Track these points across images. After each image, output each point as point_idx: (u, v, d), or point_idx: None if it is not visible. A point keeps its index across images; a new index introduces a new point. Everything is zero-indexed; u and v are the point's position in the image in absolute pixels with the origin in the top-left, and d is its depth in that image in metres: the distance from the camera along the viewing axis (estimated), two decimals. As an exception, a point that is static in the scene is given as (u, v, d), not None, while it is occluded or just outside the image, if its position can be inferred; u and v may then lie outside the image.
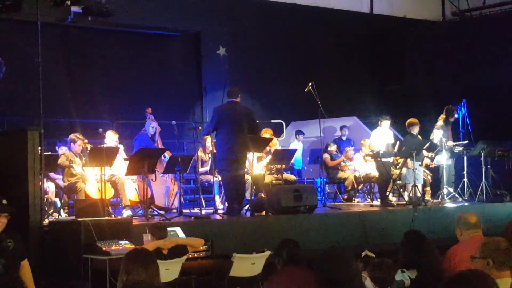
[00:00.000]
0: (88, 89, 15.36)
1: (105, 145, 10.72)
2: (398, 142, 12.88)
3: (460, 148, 13.20)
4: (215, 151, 11.15)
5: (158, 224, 8.11)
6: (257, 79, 17.48)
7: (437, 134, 12.97)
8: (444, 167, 12.84)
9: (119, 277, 4.37)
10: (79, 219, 8.20)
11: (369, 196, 13.88)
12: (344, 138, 15.09)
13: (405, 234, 5.78)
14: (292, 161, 13.02)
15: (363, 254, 6.71)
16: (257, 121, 11.53)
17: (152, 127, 11.93)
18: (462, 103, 14.30)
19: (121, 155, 11.05)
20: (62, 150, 11.27)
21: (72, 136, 10.91)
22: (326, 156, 14.06)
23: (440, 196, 12.82)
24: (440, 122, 13.34)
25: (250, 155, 11.20)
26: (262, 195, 11.49)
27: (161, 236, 7.59)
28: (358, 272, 4.44)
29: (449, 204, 12.41)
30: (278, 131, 15.53)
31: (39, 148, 8.59)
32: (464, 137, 14.15)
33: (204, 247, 8.43)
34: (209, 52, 17.01)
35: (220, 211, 10.81)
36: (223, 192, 11.38)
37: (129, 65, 16.07)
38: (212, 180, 11.78)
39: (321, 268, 4.33)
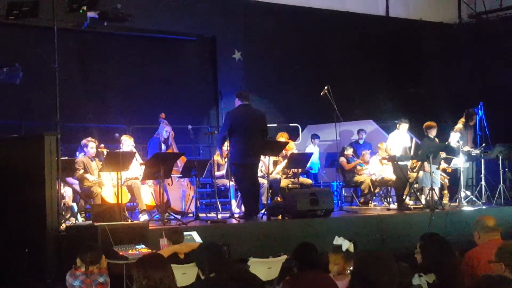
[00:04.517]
0: (104, 94, 15.41)
1: (121, 150, 10.74)
2: (414, 145, 12.81)
3: (478, 151, 13.12)
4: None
5: (174, 229, 8.12)
6: (273, 83, 17.47)
7: (454, 137, 12.90)
8: (461, 170, 12.76)
9: (134, 282, 4.39)
10: (96, 224, 8.23)
11: (385, 200, 13.82)
12: (361, 141, 15.03)
13: (424, 237, 5.68)
14: (308, 164, 12.99)
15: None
16: (269, 125, 11.38)
17: (166, 131, 11.97)
18: (479, 106, 14.20)
19: (137, 160, 11.07)
20: (81, 155, 11.32)
21: (83, 141, 10.97)
22: (342, 159, 14.01)
23: (458, 199, 12.74)
24: (459, 125, 13.25)
25: (266, 159, 11.18)
26: (279, 199, 11.47)
27: (177, 240, 7.60)
28: (397, 276, 4.38)
29: (467, 208, 12.33)
30: (294, 135, 15.51)
31: (56, 153, 8.62)
32: (482, 140, 14.05)
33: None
34: (224, 56, 17.03)
35: (237, 215, 10.81)
36: (239, 196, 11.38)
37: (145, 69, 16.10)
38: (228, 184, 11.78)
39: (361, 271, 4.27)
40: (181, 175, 11.33)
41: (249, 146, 10.48)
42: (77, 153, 11.70)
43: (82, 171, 10.59)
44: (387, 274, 4.16)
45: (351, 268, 5.77)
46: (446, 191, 13.38)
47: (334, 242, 6.04)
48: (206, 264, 5.13)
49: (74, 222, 9.76)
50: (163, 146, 11.97)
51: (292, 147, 12.84)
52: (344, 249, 5.94)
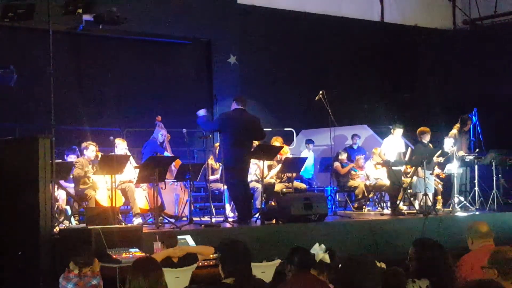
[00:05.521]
0: (99, 97, 15.40)
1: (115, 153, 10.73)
2: (409, 151, 12.84)
3: (471, 157, 13.15)
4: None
5: (168, 232, 8.12)
6: (268, 88, 17.48)
7: (448, 143, 12.93)
8: (455, 176, 12.79)
9: (125, 285, 4.40)
10: (89, 227, 8.21)
11: (379, 205, 13.83)
12: (355, 146, 15.06)
13: (417, 242, 5.66)
14: (302, 169, 13.00)
15: (375, 265, 6.63)
16: (264, 129, 11.26)
17: (161, 134, 11.97)
18: (473, 112, 14.25)
19: (131, 163, 11.06)
20: (70, 158, 11.31)
21: (84, 144, 10.99)
22: (337, 164, 14.03)
23: (451, 205, 12.76)
24: (454, 131, 13.29)
25: (260, 163, 11.18)
26: (273, 203, 11.48)
27: (171, 244, 7.60)
28: (380, 281, 4.39)
29: (460, 213, 12.35)
30: (288, 140, 15.51)
31: (50, 156, 8.61)
32: (475, 146, 14.09)
33: (214, 255, 8.41)
34: (219, 60, 17.03)
35: (230, 219, 10.80)
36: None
37: (140, 73, 16.09)
38: (222, 188, 11.78)
39: (342, 275, 4.28)
40: (175, 179, 11.33)
41: (241, 151, 10.47)
42: (65, 156, 11.67)
43: (83, 173, 10.59)
44: (370, 278, 4.18)
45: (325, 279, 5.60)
46: (439, 197, 13.42)
47: (312, 251, 5.72)
48: (228, 265, 4.91)
49: (67, 225, 9.75)
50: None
51: (287, 152, 12.85)
52: (317, 259, 5.64)
